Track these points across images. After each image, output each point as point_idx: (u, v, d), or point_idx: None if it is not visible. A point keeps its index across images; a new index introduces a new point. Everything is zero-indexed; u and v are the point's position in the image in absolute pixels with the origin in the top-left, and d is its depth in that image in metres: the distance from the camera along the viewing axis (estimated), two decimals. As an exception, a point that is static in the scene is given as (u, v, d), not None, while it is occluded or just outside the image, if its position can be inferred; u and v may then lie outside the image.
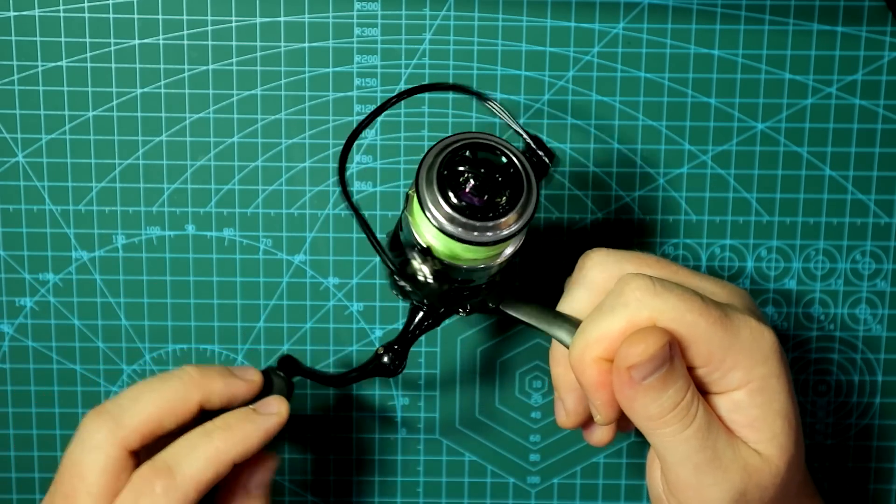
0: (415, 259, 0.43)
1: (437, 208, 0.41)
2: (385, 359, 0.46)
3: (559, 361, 0.46)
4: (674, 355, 0.40)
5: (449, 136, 0.42)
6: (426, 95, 0.51)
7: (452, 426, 0.55)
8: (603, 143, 0.52)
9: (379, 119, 0.52)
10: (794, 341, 0.54)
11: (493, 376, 0.55)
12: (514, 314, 0.45)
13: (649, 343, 0.40)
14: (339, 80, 0.51)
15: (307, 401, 0.54)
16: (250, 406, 0.47)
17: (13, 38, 0.51)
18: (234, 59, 0.51)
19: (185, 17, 0.51)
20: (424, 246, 0.42)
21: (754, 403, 0.41)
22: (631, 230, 0.53)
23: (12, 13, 0.50)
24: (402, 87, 0.51)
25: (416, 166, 0.42)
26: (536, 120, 0.52)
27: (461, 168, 0.41)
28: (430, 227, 0.41)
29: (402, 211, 0.43)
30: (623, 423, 0.47)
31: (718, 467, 0.41)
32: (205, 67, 0.51)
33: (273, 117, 0.52)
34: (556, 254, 0.53)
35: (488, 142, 0.42)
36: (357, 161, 0.52)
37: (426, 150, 0.42)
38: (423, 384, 0.54)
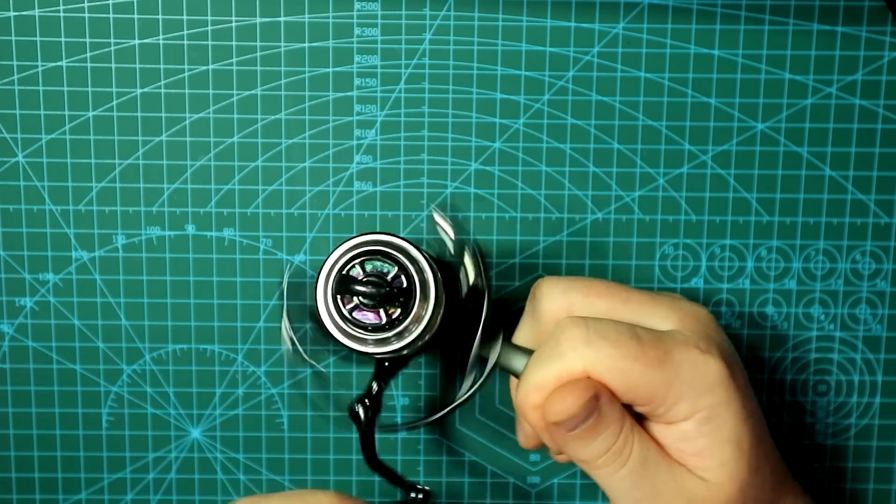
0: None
1: (335, 327, 0.43)
2: (359, 409, 0.47)
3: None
4: (602, 405, 0.41)
5: (339, 247, 0.43)
6: (426, 95, 0.51)
7: (452, 426, 0.55)
8: (603, 143, 0.52)
9: (379, 119, 0.52)
10: (794, 341, 0.54)
11: (493, 376, 0.55)
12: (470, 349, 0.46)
13: (569, 402, 0.41)
14: (339, 80, 0.51)
15: (307, 400, 0.54)
16: None
17: (13, 38, 0.51)
18: (234, 59, 0.51)
19: (185, 18, 0.51)
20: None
21: (702, 433, 0.42)
22: (631, 230, 0.53)
23: (12, 13, 0.50)
24: (402, 86, 0.51)
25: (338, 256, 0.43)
26: (536, 120, 0.52)
27: (355, 280, 0.43)
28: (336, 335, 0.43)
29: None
30: None
31: (659, 499, 0.42)
32: (205, 67, 0.51)
33: (273, 117, 0.52)
34: (556, 254, 0.53)
35: (379, 248, 0.43)
36: (357, 161, 0.52)
37: (317, 271, 0.43)
38: (423, 384, 0.54)
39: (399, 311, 0.43)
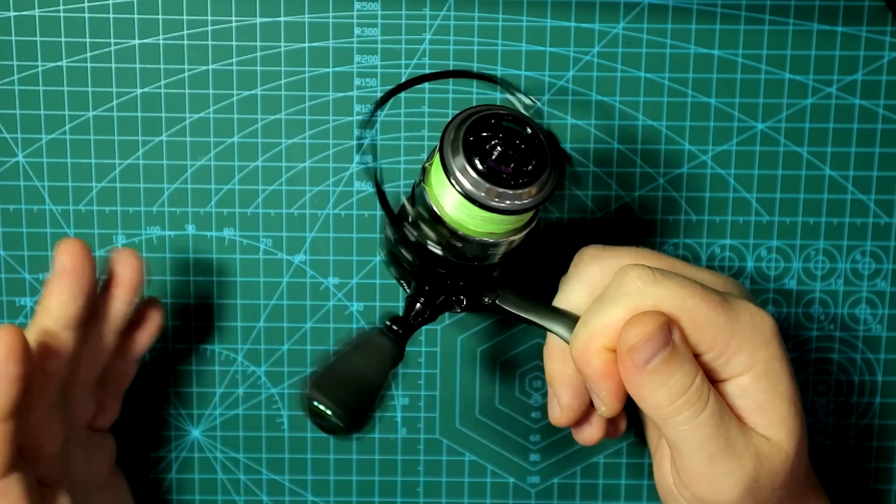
0: (424, 235, 0.43)
1: (462, 174, 0.41)
2: (393, 325, 0.45)
3: (554, 357, 0.46)
4: (675, 338, 0.40)
5: (472, 107, 0.42)
6: (426, 95, 0.51)
7: (452, 426, 0.55)
8: (603, 143, 0.52)
9: (379, 119, 0.52)
10: (794, 341, 0.54)
11: (493, 376, 0.55)
12: (511, 309, 0.45)
13: (646, 323, 0.40)
14: (339, 80, 0.51)
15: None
16: None
17: (13, 38, 0.51)
18: (234, 59, 0.51)
19: (185, 18, 0.51)
20: (442, 218, 0.42)
21: (760, 387, 0.41)
22: (631, 230, 0.53)
23: (12, 13, 0.50)
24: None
25: (436, 143, 0.41)
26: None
27: (485, 136, 0.41)
28: (453, 193, 0.41)
29: (416, 187, 0.43)
30: (612, 429, 0.48)
31: (731, 455, 0.41)
32: (205, 67, 0.51)
33: (273, 117, 0.52)
34: (556, 253, 0.53)
35: (513, 113, 0.42)
36: (357, 161, 0.52)
37: (450, 118, 0.41)
38: (423, 384, 0.54)
39: (531, 168, 0.41)
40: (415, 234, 0.43)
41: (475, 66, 0.51)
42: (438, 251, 0.43)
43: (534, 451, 0.55)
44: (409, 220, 0.43)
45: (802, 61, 0.51)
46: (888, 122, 0.52)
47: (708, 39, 0.51)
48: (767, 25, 0.51)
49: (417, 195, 0.43)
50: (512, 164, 0.41)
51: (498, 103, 0.51)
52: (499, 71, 0.51)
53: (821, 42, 0.51)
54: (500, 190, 0.41)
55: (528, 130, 0.42)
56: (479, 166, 0.41)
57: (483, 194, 0.41)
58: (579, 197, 0.53)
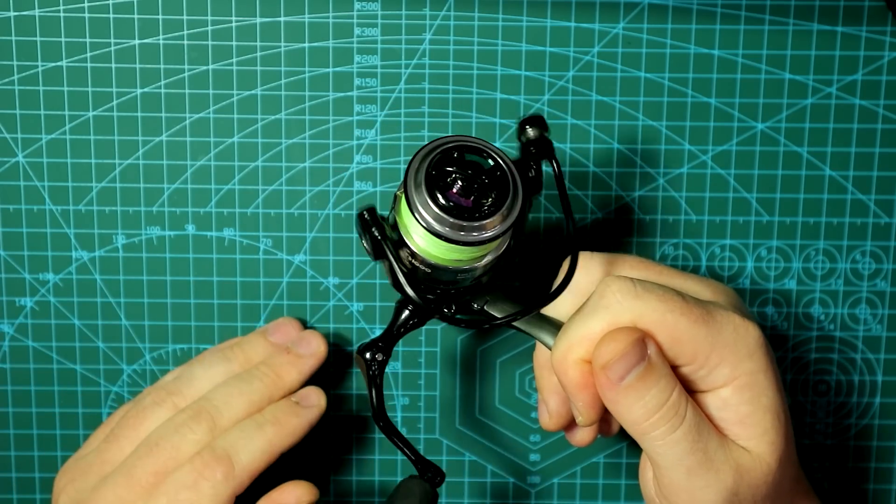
0: (403, 258, 0.43)
1: (424, 208, 0.41)
2: (367, 355, 0.46)
3: (543, 364, 0.46)
4: (651, 353, 0.40)
5: (437, 139, 0.42)
6: (426, 95, 0.51)
7: (452, 426, 0.55)
8: (603, 143, 0.52)
9: (379, 119, 0.52)
10: (794, 341, 0.54)
11: (493, 376, 0.55)
12: (498, 315, 0.45)
13: (620, 340, 0.40)
14: (339, 80, 0.51)
15: (307, 401, 0.54)
16: (293, 398, 0.49)
17: (13, 38, 0.51)
18: (234, 59, 0.51)
19: (185, 18, 0.51)
20: (412, 248, 0.42)
21: (743, 399, 0.41)
22: (631, 230, 0.53)
23: (12, 13, 0.51)
24: (402, 86, 0.51)
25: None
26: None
27: (449, 169, 0.42)
28: (418, 226, 0.41)
29: (391, 211, 0.43)
30: (605, 428, 0.48)
31: (710, 469, 0.41)
32: (205, 67, 0.51)
33: (273, 117, 0.52)
34: (556, 254, 0.53)
35: (476, 145, 0.42)
36: (357, 161, 0.52)
37: (415, 152, 0.42)
38: (423, 384, 0.54)
39: (492, 199, 0.42)
40: (408, 266, 0.43)
41: (475, 66, 0.51)
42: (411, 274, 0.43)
43: (534, 451, 0.55)
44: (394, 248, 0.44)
45: (802, 61, 0.51)
46: (888, 122, 0.52)
47: (708, 39, 0.51)
48: (767, 25, 0.51)
49: (391, 221, 0.43)
50: (473, 197, 0.41)
51: (497, 103, 0.51)
52: (499, 71, 0.51)
53: (821, 42, 0.51)
54: (463, 223, 0.41)
55: (490, 162, 0.42)
56: (441, 200, 0.41)
57: (446, 228, 0.41)
58: (579, 197, 0.53)
